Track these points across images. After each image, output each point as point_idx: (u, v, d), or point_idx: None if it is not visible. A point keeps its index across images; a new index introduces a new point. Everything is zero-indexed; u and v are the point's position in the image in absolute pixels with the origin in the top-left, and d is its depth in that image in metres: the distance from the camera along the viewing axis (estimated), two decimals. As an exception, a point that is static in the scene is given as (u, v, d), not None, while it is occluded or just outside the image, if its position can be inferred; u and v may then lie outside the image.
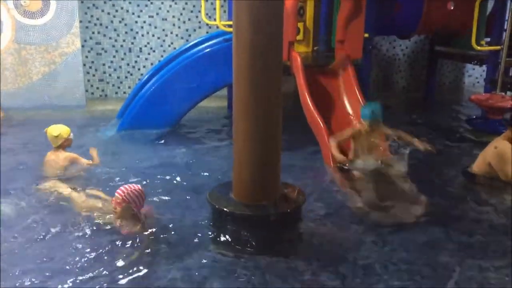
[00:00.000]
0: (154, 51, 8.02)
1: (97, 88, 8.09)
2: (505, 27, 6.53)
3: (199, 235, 3.55)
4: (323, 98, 5.49)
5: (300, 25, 6.78)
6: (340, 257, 3.33)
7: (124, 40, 7.91)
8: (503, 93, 6.27)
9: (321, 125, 4.99)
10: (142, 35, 7.93)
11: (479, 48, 6.61)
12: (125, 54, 7.97)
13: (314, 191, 4.31)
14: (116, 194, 3.54)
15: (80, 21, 7.55)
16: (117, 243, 3.38)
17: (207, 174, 4.75)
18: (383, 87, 8.72)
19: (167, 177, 4.63)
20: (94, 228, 3.58)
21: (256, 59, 3.16)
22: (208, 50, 6.31)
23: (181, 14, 7.95)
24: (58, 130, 4.49)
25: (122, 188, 3.57)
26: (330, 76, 5.72)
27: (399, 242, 3.52)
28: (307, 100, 5.23)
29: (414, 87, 8.80)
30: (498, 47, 6.52)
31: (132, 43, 7.95)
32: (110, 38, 7.86)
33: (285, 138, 5.21)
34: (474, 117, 6.62)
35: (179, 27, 7.99)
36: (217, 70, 6.05)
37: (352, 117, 5.40)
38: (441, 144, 5.84)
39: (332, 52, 6.10)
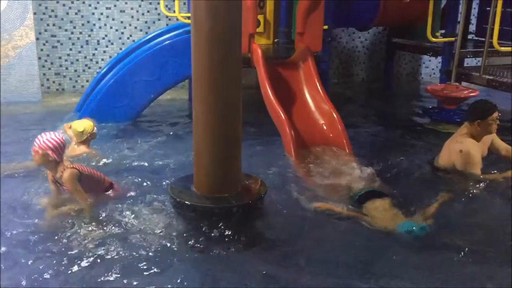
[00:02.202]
0: (112, 43, 7.85)
1: (53, 82, 7.86)
2: (459, 19, 6.73)
3: (160, 229, 3.52)
4: (284, 90, 5.52)
5: (261, 17, 6.80)
6: (301, 247, 3.37)
7: (80, 33, 7.70)
8: (458, 84, 6.46)
9: (282, 116, 5.02)
10: (100, 27, 7.75)
11: (434, 39, 6.78)
12: (82, 47, 7.77)
13: (276, 181, 4.33)
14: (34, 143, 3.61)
15: (34, 13, 7.30)
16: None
17: (169, 167, 4.70)
18: (343, 79, 8.85)
19: (127, 172, 4.57)
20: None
21: (215, 51, 3.15)
22: (168, 42, 6.24)
23: (140, 6, 7.81)
24: (83, 125, 4.64)
25: (39, 136, 3.62)
26: (290, 68, 5.75)
27: (358, 229, 3.58)
28: (268, 92, 5.24)
29: (373, 78, 8.96)
30: (452, 39, 6.71)
31: (89, 35, 7.76)
32: (66, 30, 7.64)
33: (247, 130, 5.26)
34: (431, 107, 6.81)
35: (138, 19, 7.84)
36: (177, 62, 6.00)
37: (320, 121, 5.37)
38: (399, 134, 6.00)
39: (292, 44, 6.14)
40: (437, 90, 6.37)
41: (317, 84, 5.54)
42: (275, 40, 6.99)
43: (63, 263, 3.12)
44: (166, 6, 7.20)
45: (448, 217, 3.80)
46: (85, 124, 4.68)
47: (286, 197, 4.07)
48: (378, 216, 3.66)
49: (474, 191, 4.17)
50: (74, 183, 3.60)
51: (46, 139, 3.60)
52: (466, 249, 3.31)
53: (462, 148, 4.31)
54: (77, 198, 3.64)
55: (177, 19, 6.52)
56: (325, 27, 6.05)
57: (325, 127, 5.26)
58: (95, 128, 4.76)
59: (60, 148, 3.64)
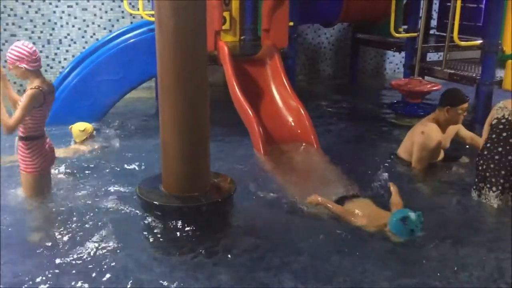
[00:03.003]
0: (75, 42, 7.67)
1: (14, 82, 7.62)
2: (421, 15, 6.87)
3: (127, 230, 3.47)
4: (251, 87, 5.53)
5: (226, 14, 6.76)
6: (272, 245, 3.38)
7: (41, 32, 7.50)
8: (421, 78, 6.61)
9: (250, 113, 5.03)
10: (61, 26, 7.56)
11: (397, 35, 6.91)
12: (43, 46, 7.56)
13: (245, 178, 4.33)
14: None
15: (-8, 12, 7.08)
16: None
17: (137, 167, 4.65)
18: (310, 75, 8.90)
19: (94, 174, 4.49)
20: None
21: (180, 49, 3.12)
22: (132, 40, 6.14)
23: (103, 4, 7.66)
24: (83, 125, 5.19)
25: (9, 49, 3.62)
26: (257, 65, 5.76)
27: (326, 229, 3.59)
28: (235, 89, 5.24)
29: (339, 74, 9.05)
30: (415, 34, 6.85)
31: (51, 34, 7.56)
32: (26, 29, 7.43)
33: (215, 128, 5.23)
34: (395, 101, 6.94)
35: (101, 17, 7.69)
36: (142, 61, 5.90)
37: (287, 117, 5.37)
38: (364, 128, 6.09)
39: (259, 41, 6.14)
40: (401, 85, 6.49)
41: (284, 80, 5.57)
42: (242, 37, 6.97)
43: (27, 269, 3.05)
44: (130, 3, 7.09)
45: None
46: (86, 125, 5.21)
47: (256, 194, 4.07)
48: (364, 214, 3.52)
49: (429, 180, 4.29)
50: (27, 103, 3.48)
51: (11, 49, 3.64)
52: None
53: (424, 130, 4.40)
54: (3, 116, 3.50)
55: (142, 17, 6.42)
56: (291, 23, 6.08)
57: (293, 123, 5.29)
58: (94, 129, 5.28)
59: (27, 56, 3.57)
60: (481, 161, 3.93)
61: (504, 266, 3.13)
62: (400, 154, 4.67)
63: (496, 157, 3.83)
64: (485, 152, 3.91)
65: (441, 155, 4.59)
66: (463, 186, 4.25)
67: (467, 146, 4.78)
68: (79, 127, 5.19)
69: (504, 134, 3.79)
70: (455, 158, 4.71)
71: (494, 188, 3.83)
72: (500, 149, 3.81)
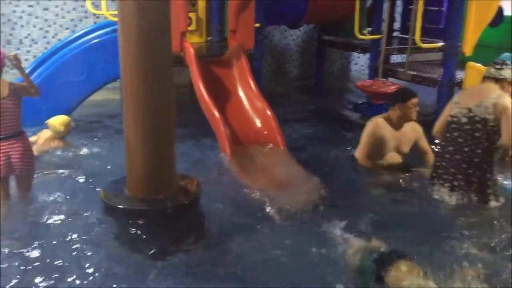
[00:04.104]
0: (36, 43, 7.49)
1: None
2: (384, 17, 6.99)
3: (93, 236, 3.40)
4: (217, 88, 5.50)
5: (192, 15, 6.73)
6: (239, 248, 3.37)
7: (1, 31, 7.28)
8: (385, 79, 6.72)
9: (216, 114, 5.00)
10: (22, 26, 7.36)
11: (361, 37, 7.02)
12: (3, 46, 7.29)
13: (212, 180, 4.31)
14: None
15: None
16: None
17: (101, 170, 4.56)
18: (277, 76, 8.95)
19: (58, 177, 4.38)
20: None
21: (144, 50, 3.08)
22: (96, 41, 6.04)
23: (65, 3, 7.50)
24: (63, 121, 4.93)
25: None
26: (224, 66, 5.73)
27: (293, 229, 3.60)
28: (201, 90, 5.20)
29: (305, 75, 9.13)
30: (379, 36, 6.97)
31: (11, 34, 7.35)
32: (-16, 29, 7.21)
33: (181, 130, 5.17)
34: (360, 102, 7.04)
35: (63, 17, 7.53)
36: (107, 61, 5.81)
37: (254, 118, 5.37)
38: (329, 129, 6.15)
39: (225, 42, 6.12)
40: (366, 86, 6.59)
41: (251, 81, 5.56)
42: (208, 38, 6.95)
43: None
44: (93, 3, 6.95)
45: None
46: (66, 120, 4.96)
47: (223, 196, 4.06)
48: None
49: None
50: None
51: None
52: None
53: (370, 122, 4.55)
54: None
55: (105, 17, 6.31)
56: (257, 25, 6.08)
57: (259, 124, 5.29)
58: (73, 122, 5.07)
59: None
60: (437, 158, 4.13)
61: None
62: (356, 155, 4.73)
63: (447, 155, 3.99)
64: (440, 150, 4.09)
65: (396, 158, 4.62)
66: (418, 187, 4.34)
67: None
68: (59, 123, 4.92)
69: (455, 134, 3.94)
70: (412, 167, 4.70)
71: (446, 185, 3.99)
72: (450, 148, 3.97)
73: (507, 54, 4.92)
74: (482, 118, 3.81)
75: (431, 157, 4.53)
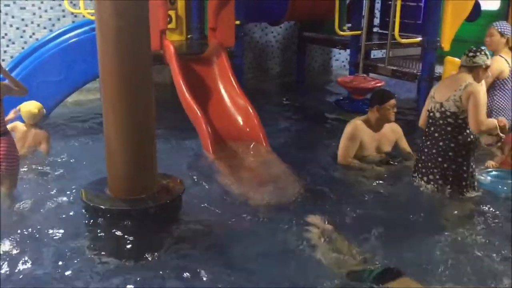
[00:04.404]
0: (13, 42, 7.34)
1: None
2: (364, 13, 7.03)
3: (75, 237, 3.35)
4: (199, 86, 5.47)
5: (172, 13, 6.68)
6: (222, 246, 3.37)
7: (-24, 31, 7.15)
8: (365, 75, 6.77)
9: (198, 113, 4.98)
10: (-2, 26, 7.23)
11: (342, 33, 7.05)
12: (-21, 46, 7.21)
13: (194, 178, 4.30)
14: None
15: None
16: None
17: (82, 170, 4.50)
18: (258, 73, 8.93)
19: (38, 179, 4.32)
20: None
21: (123, 48, 3.05)
22: (74, 40, 5.96)
23: (42, 2, 7.37)
24: (36, 106, 4.68)
25: None
26: (205, 64, 5.71)
27: (276, 226, 3.60)
28: (182, 88, 5.17)
29: (286, 71, 9.14)
30: (359, 32, 7.01)
31: (-13, 34, 7.21)
32: (-41, 29, 7.06)
33: (163, 128, 5.17)
34: (342, 98, 7.07)
35: (40, 16, 7.40)
36: (85, 61, 5.72)
37: (236, 116, 5.36)
38: (311, 125, 6.18)
39: (206, 40, 6.10)
40: (347, 82, 6.62)
41: (232, 79, 5.56)
42: (188, 36, 6.91)
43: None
44: (71, 2, 6.87)
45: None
46: (38, 105, 4.72)
47: (205, 194, 4.05)
48: None
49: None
50: None
51: None
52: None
53: (349, 124, 4.61)
54: None
55: (84, 16, 6.24)
56: (237, 22, 6.07)
57: (241, 122, 5.28)
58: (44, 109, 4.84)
59: None
60: (418, 153, 4.20)
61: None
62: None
63: (426, 150, 4.05)
64: (420, 144, 4.15)
65: (376, 157, 4.64)
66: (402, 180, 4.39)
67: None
68: (33, 106, 4.70)
69: (432, 128, 4.00)
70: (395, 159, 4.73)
71: (425, 178, 4.06)
72: (428, 142, 4.03)
73: None
74: (452, 112, 3.84)
75: (411, 157, 4.61)
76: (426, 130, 4.07)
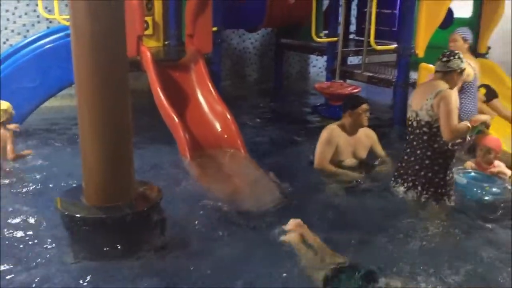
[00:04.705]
0: (-14, 49, 7.22)
1: None
2: (340, 20, 7.12)
3: (50, 247, 3.30)
4: (176, 92, 5.46)
5: (149, 19, 6.66)
6: (200, 253, 3.34)
7: None
8: (342, 81, 6.84)
9: (176, 119, 4.96)
10: (-30, 31, 7.09)
11: (318, 40, 7.13)
12: (-50, 53, 7.05)
13: (172, 186, 4.26)
14: None
15: None
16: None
17: (57, 179, 4.43)
18: (236, 80, 8.95)
19: (12, 189, 4.23)
20: None
21: (98, 54, 3.01)
22: (49, 46, 5.88)
23: (16, 8, 7.26)
24: (4, 103, 4.64)
25: None
26: (182, 71, 5.70)
27: (254, 232, 3.59)
28: (159, 95, 5.15)
29: (264, 78, 9.17)
30: (335, 39, 7.09)
31: (-41, 40, 7.07)
32: None
33: (141, 135, 5.13)
34: (319, 104, 7.13)
35: (14, 22, 7.29)
36: (61, 67, 5.64)
37: (214, 122, 5.35)
38: (289, 131, 6.20)
39: (183, 47, 6.09)
40: (324, 88, 6.69)
41: (209, 85, 5.55)
42: (166, 43, 6.89)
43: None
44: (46, 8, 6.77)
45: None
46: (6, 103, 4.69)
47: (183, 201, 4.02)
48: None
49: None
50: None
51: None
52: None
53: (325, 130, 4.66)
54: None
55: (59, 22, 6.16)
56: (215, 28, 6.08)
57: (219, 129, 5.28)
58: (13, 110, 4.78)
59: None
60: (400, 159, 4.17)
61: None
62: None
63: (405, 157, 4.06)
64: (402, 152, 4.15)
65: (352, 161, 4.69)
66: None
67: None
68: (2, 104, 4.68)
69: (411, 136, 4.00)
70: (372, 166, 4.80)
71: (404, 185, 4.06)
72: (408, 150, 4.04)
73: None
74: (426, 122, 3.81)
75: (384, 164, 4.71)
76: (407, 138, 4.07)
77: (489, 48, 6.71)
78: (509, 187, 4.20)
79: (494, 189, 4.17)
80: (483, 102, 5.78)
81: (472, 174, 4.33)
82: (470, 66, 4.96)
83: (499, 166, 4.46)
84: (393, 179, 4.20)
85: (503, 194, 4.13)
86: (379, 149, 4.83)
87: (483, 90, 5.86)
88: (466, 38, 5.24)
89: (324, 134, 4.63)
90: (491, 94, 5.89)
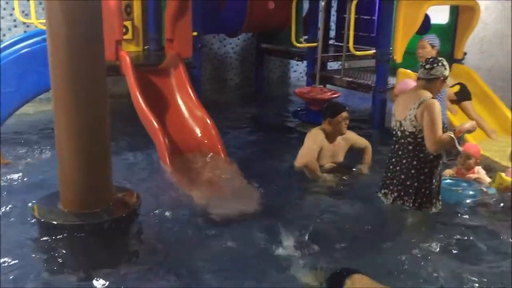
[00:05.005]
0: (-39, 52, 7.07)
1: None
2: (319, 26, 7.17)
3: (26, 255, 3.23)
4: (156, 97, 5.42)
5: (129, 23, 6.62)
6: (179, 259, 3.32)
7: None
8: (322, 86, 6.88)
9: (155, 124, 4.92)
10: None
11: (298, 45, 7.16)
12: None
13: (151, 191, 4.23)
14: None
15: None
16: None
17: (33, 185, 4.35)
18: (217, 85, 8.94)
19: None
20: None
21: (75, 59, 2.99)
22: (26, 50, 5.76)
23: (-8, 11, 7.15)
24: None
25: None
26: (162, 75, 5.67)
27: (235, 238, 3.57)
28: (139, 100, 5.11)
29: (245, 83, 9.18)
30: (315, 44, 7.13)
31: None
32: None
33: (120, 140, 5.09)
34: (299, 109, 7.15)
35: (-10, 26, 7.18)
36: (38, 71, 5.54)
37: (194, 127, 5.32)
38: (269, 136, 6.21)
39: (163, 51, 6.06)
40: (304, 93, 6.71)
41: (190, 90, 5.53)
42: (145, 47, 6.85)
43: None
44: (23, 11, 6.68)
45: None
46: None
47: (162, 207, 3.98)
48: None
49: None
50: None
51: None
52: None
53: (312, 130, 4.71)
54: None
55: (36, 26, 6.08)
56: (195, 33, 6.06)
57: (199, 134, 5.26)
58: None
59: None
60: (385, 168, 4.13)
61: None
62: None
63: (391, 166, 4.03)
64: (387, 160, 4.10)
65: (331, 166, 4.72)
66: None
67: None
68: None
69: (396, 146, 3.96)
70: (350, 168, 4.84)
71: (390, 194, 4.03)
72: (393, 159, 4.00)
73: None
74: (411, 132, 3.78)
75: (369, 150, 4.83)
76: (392, 147, 4.03)
77: (465, 54, 6.82)
78: (485, 189, 4.25)
79: (470, 192, 4.23)
80: (453, 102, 5.87)
81: (448, 180, 4.37)
82: None
83: (479, 172, 4.52)
84: (378, 189, 4.16)
85: (478, 196, 4.19)
86: (360, 142, 4.89)
87: (456, 88, 5.96)
88: (434, 44, 5.31)
89: (311, 133, 4.68)
90: (464, 95, 5.98)
